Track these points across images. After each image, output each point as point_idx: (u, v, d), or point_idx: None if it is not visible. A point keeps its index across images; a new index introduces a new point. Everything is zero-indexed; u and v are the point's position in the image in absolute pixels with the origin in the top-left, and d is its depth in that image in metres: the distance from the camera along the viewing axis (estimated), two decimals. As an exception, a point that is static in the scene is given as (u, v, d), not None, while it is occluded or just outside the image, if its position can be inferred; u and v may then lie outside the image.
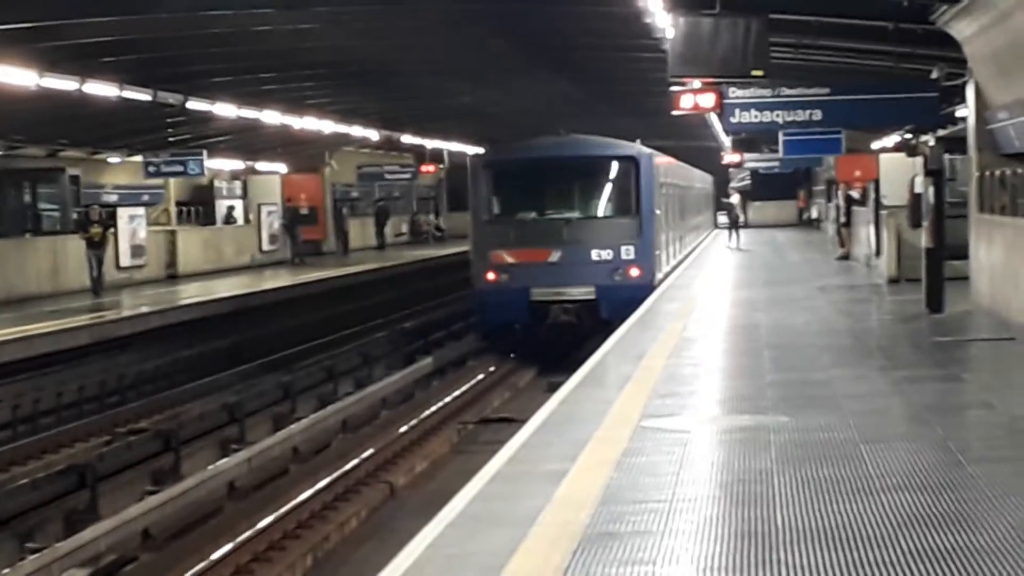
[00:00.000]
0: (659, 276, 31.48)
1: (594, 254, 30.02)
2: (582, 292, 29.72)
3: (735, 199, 54.78)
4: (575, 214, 30.85)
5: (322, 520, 16.25)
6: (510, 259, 29.99)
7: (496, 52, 34.43)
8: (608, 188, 31.56)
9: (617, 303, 27.88)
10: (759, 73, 19.96)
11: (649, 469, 10.37)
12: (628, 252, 30.13)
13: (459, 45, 33.25)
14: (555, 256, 29.93)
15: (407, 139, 55.81)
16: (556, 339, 29.38)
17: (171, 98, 32.32)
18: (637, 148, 31.65)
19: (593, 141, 32.14)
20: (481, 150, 49.37)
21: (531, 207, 31.04)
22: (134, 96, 30.75)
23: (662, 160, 34.74)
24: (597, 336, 23.87)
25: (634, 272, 30.03)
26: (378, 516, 17.13)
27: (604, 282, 29.66)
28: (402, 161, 63.04)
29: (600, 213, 31.28)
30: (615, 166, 31.28)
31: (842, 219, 39.72)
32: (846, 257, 38.02)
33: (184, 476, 18.79)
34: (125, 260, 37.33)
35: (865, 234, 34.21)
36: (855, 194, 39.49)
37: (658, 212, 32.13)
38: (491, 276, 30.11)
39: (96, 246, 33.36)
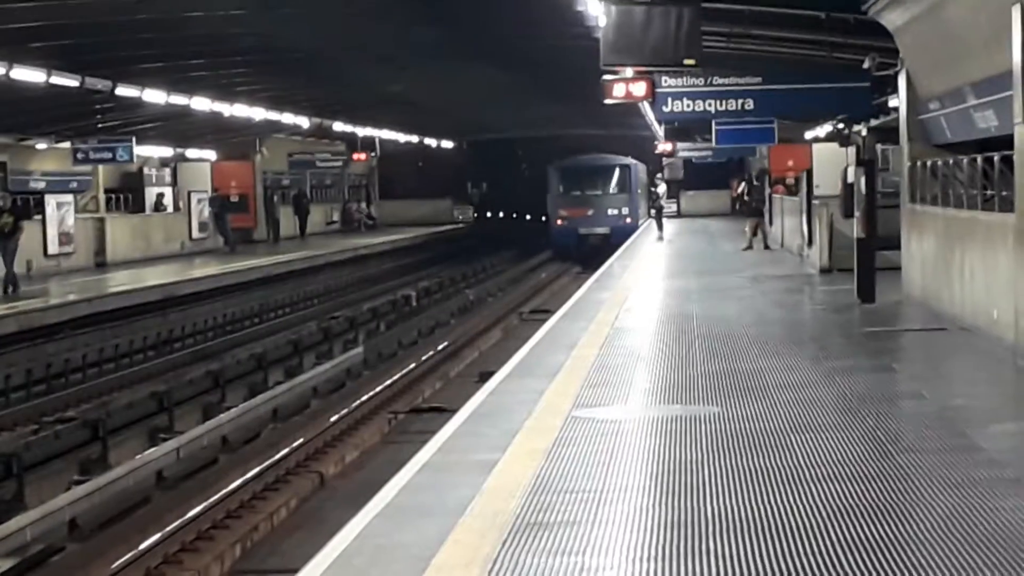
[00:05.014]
0: (639, 223, 58.16)
1: (609, 211, 57.98)
2: (603, 230, 56.63)
3: (661, 188, 57.21)
4: (600, 192, 58.97)
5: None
6: (567, 214, 57.89)
7: (424, 40, 34.34)
8: (616, 179, 59.48)
9: (620, 235, 51.72)
10: (691, 62, 19.91)
11: (579, 459, 10.33)
12: (625, 211, 58.28)
13: (387, 32, 33.10)
14: (590, 212, 57.76)
15: (339, 127, 55.52)
16: (590, 252, 52.29)
17: (100, 84, 31.89)
18: (631, 160, 60.61)
19: (609, 157, 61.32)
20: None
21: (578, 188, 58.87)
22: (62, 82, 30.38)
23: (639, 165, 62.66)
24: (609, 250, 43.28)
25: (628, 220, 57.52)
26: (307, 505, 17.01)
27: (614, 225, 56.73)
28: (334, 149, 62.72)
29: (612, 191, 59.17)
30: (619, 169, 59.88)
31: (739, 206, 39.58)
32: (750, 247, 37.69)
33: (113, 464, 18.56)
34: (53, 248, 36.96)
35: (796, 224, 34.28)
36: (756, 182, 39.78)
37: (639, 192, 60.97)
38: (559, 222, 58.22)
39: (5, 237, 29.99)
